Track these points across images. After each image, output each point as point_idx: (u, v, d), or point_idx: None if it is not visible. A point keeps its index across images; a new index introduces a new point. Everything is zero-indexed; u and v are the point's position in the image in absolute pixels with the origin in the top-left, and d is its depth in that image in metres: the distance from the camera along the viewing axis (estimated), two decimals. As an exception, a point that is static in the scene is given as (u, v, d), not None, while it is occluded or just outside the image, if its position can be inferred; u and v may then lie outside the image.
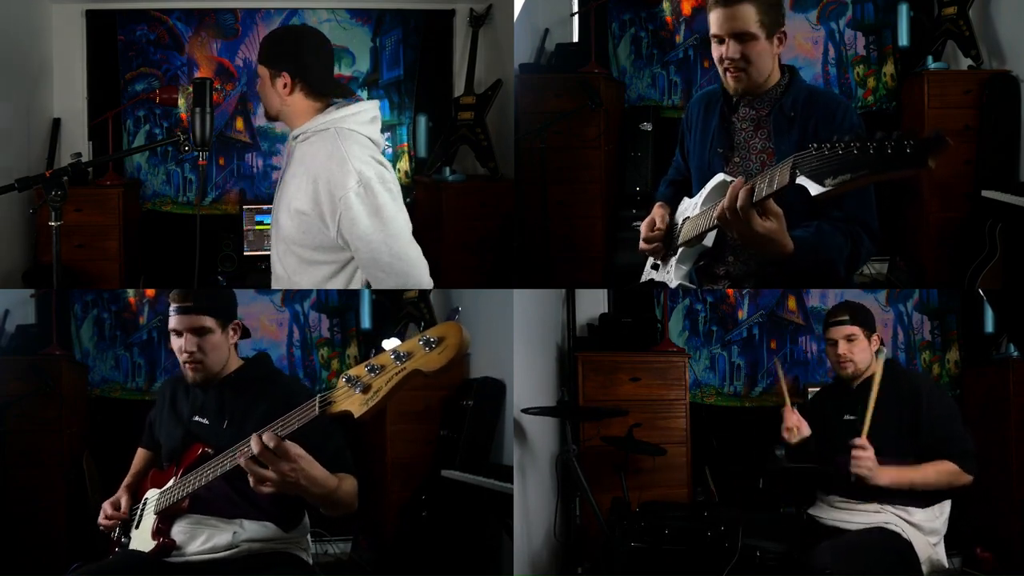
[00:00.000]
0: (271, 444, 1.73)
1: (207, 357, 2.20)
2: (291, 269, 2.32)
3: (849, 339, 2.65)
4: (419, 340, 1.53)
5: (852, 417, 2.65)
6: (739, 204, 1.92)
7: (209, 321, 2.20)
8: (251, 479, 1.78)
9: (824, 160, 1.68)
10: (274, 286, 2.40)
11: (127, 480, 2.37)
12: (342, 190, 2.11)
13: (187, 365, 2.22)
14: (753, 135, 2.27)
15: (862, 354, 2.65)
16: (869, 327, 2.67)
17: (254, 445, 1.74)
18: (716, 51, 2.22)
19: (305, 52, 2.30)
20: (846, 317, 2.66)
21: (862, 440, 2.46)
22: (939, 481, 2.49)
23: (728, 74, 2.22)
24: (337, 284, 2.29)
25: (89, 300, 4.19)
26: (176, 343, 2.22)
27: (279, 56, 2.30)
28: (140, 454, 2.45)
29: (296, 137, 2.30)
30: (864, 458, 2.44)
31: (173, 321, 2.21)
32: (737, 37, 2.16)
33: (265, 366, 2.33)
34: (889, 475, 2.47)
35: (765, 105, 2.25)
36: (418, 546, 3.62)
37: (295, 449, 1.77)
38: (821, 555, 2.36)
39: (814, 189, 1.71)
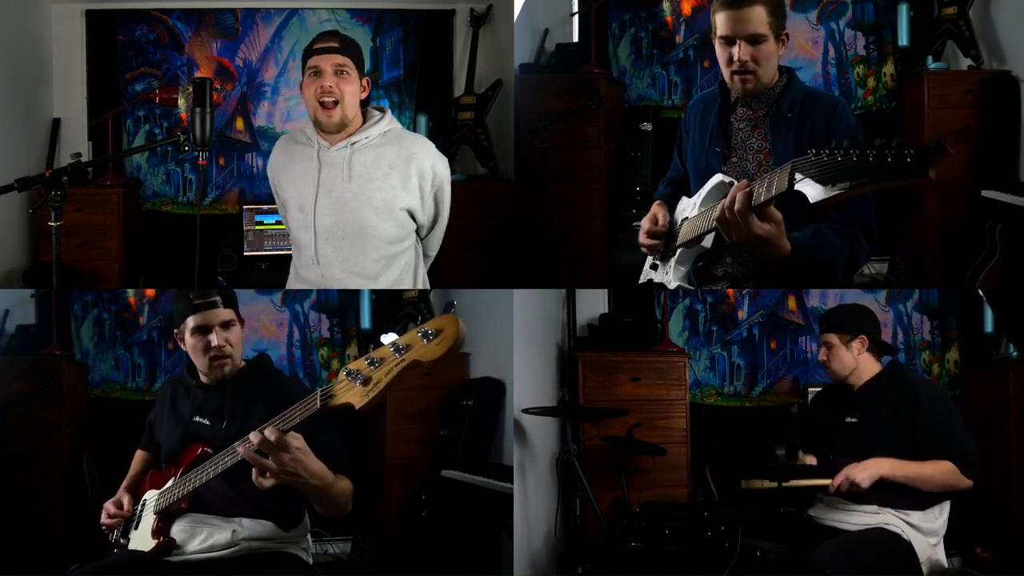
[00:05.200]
0: (272, 437, 1.76)
1: (235, 350, 2.22)
2: (375, 273, 2.45)
3: (826, 346, 2.69)
4: (417, 332, 1.55)
5: (853, 420, 2.65)
6: (736, 207, 1.91)
7: (233, 314, 2.23)
8: (254, 472, 1.81)
9: (823, 167, 1.67)
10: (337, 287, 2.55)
11: (126, 482, 2.37)
12: (443, 175, 2.48)
13: (216, 362, 2.20)
14: (750, 135, 2.28)
15: (837, 361, 2.68)
16: (849, 332, 2.66)
17: (253, 438, 1.78)
18: (724, 53, 2.21)
19: None
20: (824, 324, 2.72)
21: None
22: (938, 478, 2.47)
23: (736, 77, 2.20)
24: (409, 269, 2.51)
25: (89, 300, 4.19)
26: (201, 341, 2.19)
27: (363, 62, 2.46)
28: (138, 456, 2.45)
29: (354, 143, 2.41)
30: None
31: (199, 319, 2.18)
32: (750, 40, 2.16)
33: (265, 367, 2.32)
34: (886, 465, 2.47)
35: (763, 106, 2.26)
36: (418, 546, 3.62)
37: (295, 441, 1.80)
38: (821, 555, 2.36)
39: (813, 195, 1.70)
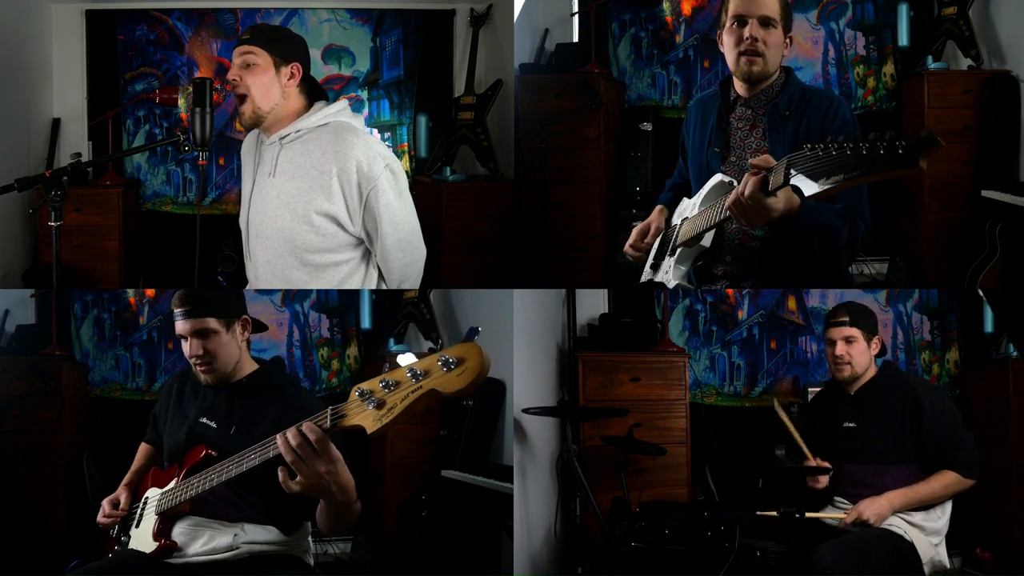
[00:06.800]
0: (313, 436, 1.59)
1: (216, 359, 2.17)
2: (300, 283, 2.30)
3: (847, 340, 2.64)
4: (437, 360, 1.47)
5: (852, 425, 2.65)
6: (748, 193, 1.89)
7: (212, 323, 2.15)
8: (281, 476, 1.65)
9: (818, 161, 1.69)
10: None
11: (128, 477, 2.36)
12: (373, 174, 2.18)
13: (199, 368, 2.19)
14: (748, 134, 2.28)
15: (860, 356, 2.64)
16: (869, 330, 2.65)
17: (292, 437, 1.62)
18: (733, 34, 2.21)
19: (307, 51, 2.33)
20: (846, 318, 2.65)
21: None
22: (945, 493, 2.52)
23: (744, 58, 2.21)
24: (354, 284, 2.31)
25: (89, 300, 4.19)
26: (184, 348, 2.20)
27: (289, 46, 2.28)
28: (142, 449, 2.44)
29: (284, 138, 2.28)
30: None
31: (178, 326, 2.18)
32: (762, 21, 2.18)
33: (278, 373, 2.28)
34: (898, 499, 2.48)
35: (761, 105, 2.26)
36: (418, 546, 3.61)
37: (335, 451, 1.64)
38: (823, 555, 2.36)
39: (808, 189, 1.72)
